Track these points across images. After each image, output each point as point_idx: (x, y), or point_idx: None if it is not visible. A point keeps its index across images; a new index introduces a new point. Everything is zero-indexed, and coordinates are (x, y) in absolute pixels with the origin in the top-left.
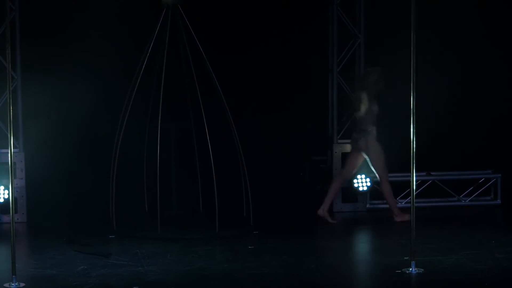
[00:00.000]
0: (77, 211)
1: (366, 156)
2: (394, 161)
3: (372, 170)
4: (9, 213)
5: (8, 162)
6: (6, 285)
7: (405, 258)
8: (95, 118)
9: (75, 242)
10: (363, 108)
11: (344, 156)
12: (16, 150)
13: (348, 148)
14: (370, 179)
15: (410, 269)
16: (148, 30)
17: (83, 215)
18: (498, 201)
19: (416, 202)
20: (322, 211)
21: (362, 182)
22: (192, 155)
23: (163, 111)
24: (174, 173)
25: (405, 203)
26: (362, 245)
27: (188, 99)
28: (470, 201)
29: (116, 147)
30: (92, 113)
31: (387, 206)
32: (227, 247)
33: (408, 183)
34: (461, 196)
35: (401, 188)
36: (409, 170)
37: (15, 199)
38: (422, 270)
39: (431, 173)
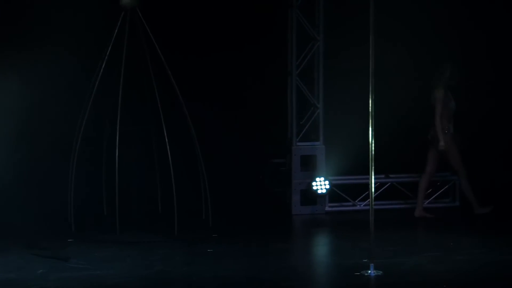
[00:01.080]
0: (36, 215)
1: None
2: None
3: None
4: None
5: None
6: None
7: (364, 260)
8: (55, 119)
9: (35, 246)
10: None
11: (303, 158)
12: None
13: (306, 150)
14: (329, 181)
15: (369, 271)
16: (111, 31)
17: (42, 218)
18: (457, 203)
19: (374, 205)
20: (419, 212)
21: (321, 185)
22: (151, 157)
23: (122, 114)
24: (134, 175)
25: (364, 205)
26: (321, 247)
27: (148, 102)
28: (429, 203)
29: (75, 150)
30: (51, 114)
31: (345, 208)
32: (186, 250)
33: (366, 185)
34: None
35: (360, 190)
36: (367, 173)
37: None
38: (381, 272)
39: (390, 175)
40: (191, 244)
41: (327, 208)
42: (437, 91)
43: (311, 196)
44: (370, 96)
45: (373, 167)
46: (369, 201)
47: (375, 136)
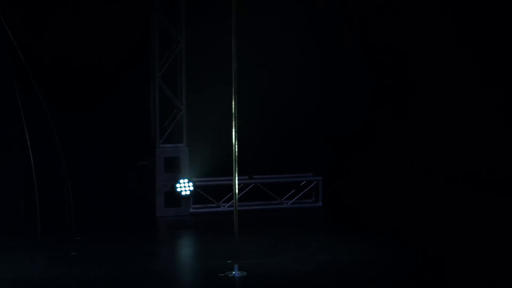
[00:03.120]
0: None
1: None
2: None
3: None
4: None
5: None
6: None
7: (228, 261)
8: None
9: None
10: None
11: (167, 160)
12: None
13: (169, 152)
14: (193, 183)
15: (233, 272)
16: None
17: None
18: (320, 203)
19: (238, 206)
20: None
21: (185, 187)
22: (15, 160)
23: None
24: None
25: (228, 206)
26: (186, 249)
27: (10, 105)
28: (292, 203)
29: None
30: None
31: (209, 210)
32: (49, 254)
33: (230, 187)
34: (283, 199)
35: (224, 191)
36: (231, 174)
37: None
38: (245, 273)
39: (253, 176)
40: (54, 247)
41: (191, 210)
42: None
43: (175, 197)
44: (233, 97)
45: (236, 169)
46: (233, 202)
47: (239, 137)
